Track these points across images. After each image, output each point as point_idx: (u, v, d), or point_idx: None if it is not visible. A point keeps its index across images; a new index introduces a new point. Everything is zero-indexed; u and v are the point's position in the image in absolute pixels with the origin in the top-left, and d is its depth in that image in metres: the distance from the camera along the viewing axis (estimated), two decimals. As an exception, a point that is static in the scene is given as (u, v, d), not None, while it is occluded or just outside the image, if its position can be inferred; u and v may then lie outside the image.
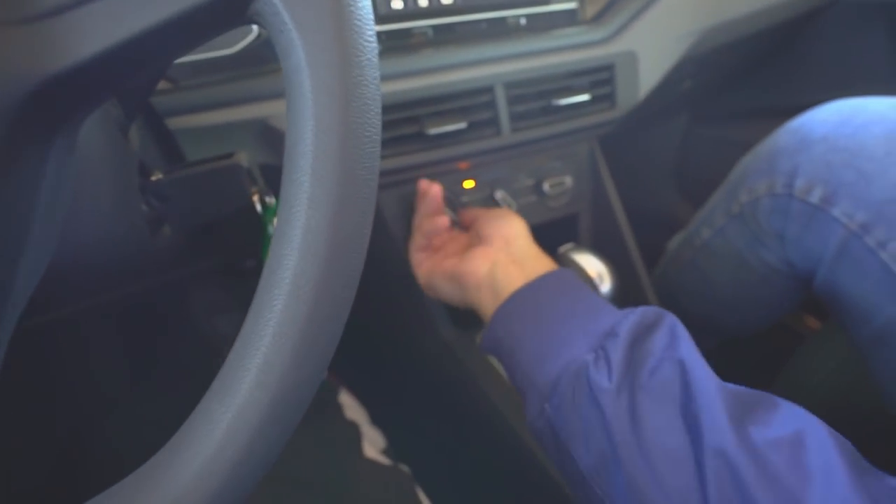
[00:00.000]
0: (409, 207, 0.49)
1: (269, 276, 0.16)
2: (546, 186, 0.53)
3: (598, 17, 0.50)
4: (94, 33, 0.15)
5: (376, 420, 0.47)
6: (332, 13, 0.15)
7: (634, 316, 0.31)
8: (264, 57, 0.39)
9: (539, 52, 0.47)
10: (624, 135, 0.89)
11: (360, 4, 0.15)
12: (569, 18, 0.49)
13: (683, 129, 1.08)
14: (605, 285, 0.42)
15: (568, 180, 0.54)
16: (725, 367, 0.31)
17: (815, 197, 0.39)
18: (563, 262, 0.44)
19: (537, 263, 0.38)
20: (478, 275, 0.38)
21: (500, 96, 0.45)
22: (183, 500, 0.16)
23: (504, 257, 0.39)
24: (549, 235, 0.55)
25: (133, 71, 0.16)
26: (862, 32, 0.79)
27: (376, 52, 0.16)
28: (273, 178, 0.40)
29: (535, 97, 0.47)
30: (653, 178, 1.14)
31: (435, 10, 0.44)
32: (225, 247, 0.41)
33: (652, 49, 0.51)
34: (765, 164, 0.42)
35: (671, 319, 0.31)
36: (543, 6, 0.48)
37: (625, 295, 0.53)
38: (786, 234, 0.42)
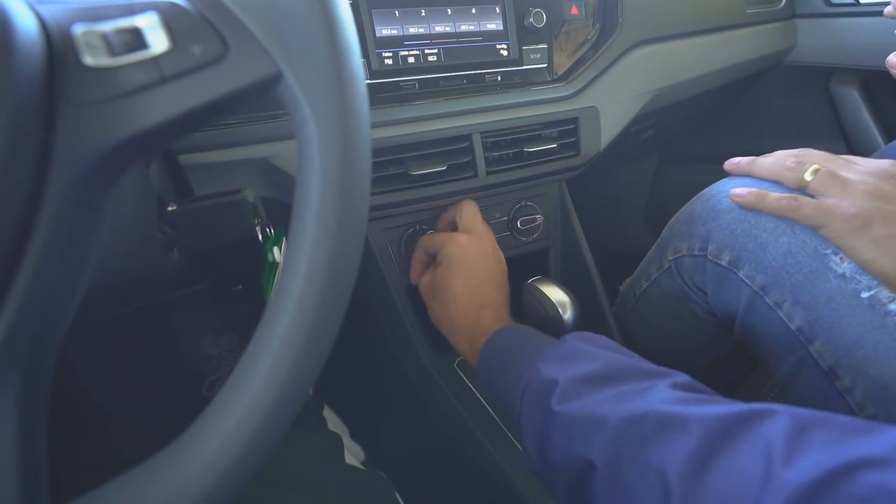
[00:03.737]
0: (394, 238, 0.54)
1: (279, 297, 0.21)
2: (519, 223, 0.58)
3: (565, 76, 0.56)
4: (156, 109, 0.19)
5: (356, 436, 0.50)
6: (338, 99, 0.20)
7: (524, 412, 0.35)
8: (268, 104, 0.44)
9: (512, 105, 0.53)
10: (598, 175, 0.96)
11: (358, 93, 0.21)
12: (539, 76, 0.55)
13: (653, 171, 1.17)
14: (567, 314, 0.47)
15: (539, 218, 0.60)
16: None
17: (725, 260, 0.45)
18: (531, 291, 0.49)
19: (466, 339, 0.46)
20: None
21: (477, 143, 0.51)
22: (200, 477, 0.20)
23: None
24: (522, 267, 0.61)
25: (180, 134, 0.21)
26: (802, 90, 0.88)
27: (369, 126, 0.21)
28: (273, 210, 0.44)
29: (508, 144, 0.53)
30: (625, 215, 1.21)
31: (421, 67, 0.50)
32: (225, 270, 0.45)
33: (612, 105, 0.57)
34: (685, 227, 0.49)
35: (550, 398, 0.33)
36: (517, 66, 0.54)
37: (589, 324, 0.58)
38: (707, 289, 0.48)
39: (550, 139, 0.55)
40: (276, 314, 0.21)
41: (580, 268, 0.60)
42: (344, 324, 0.22)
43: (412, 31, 0.50)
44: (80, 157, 0.18)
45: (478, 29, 0.52)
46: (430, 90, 0.51)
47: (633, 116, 0.60)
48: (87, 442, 0.55)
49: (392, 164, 0.48)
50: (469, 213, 0.52)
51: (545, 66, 0.56)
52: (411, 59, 0.50)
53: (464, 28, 0.52)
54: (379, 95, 0.49)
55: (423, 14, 0.50)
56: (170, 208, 0.36)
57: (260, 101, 0.21)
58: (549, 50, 0.55)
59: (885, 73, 0.53)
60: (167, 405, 0.63)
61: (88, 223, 0.20)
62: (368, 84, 0.48)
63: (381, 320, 0.60)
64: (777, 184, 0.43)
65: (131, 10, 0.19)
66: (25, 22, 0.18)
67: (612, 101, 0.58)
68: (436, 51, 0.51)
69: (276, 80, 0.20)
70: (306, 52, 0.20)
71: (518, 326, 0.44)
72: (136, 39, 0.19)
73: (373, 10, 0.48)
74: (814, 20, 0.84)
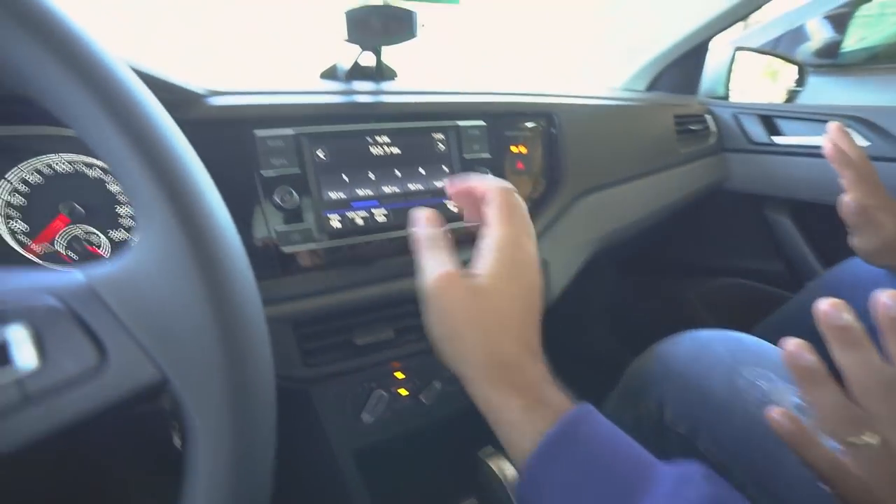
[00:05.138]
0: (336, 400, 0.51)
1: None
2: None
3: (514, 229, 0.57)
4: (14, 434, 0.17)
5: None
6: (230, 413, 0.18)
7: None
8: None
9: (463, 261, 0.53)
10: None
11: (256, 406, 0.19)
12: (489, 229, 0.56)
13: (613, 278, 1.20)
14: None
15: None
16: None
17: (682, 429, 0.44)
18: (480, 465, 0.46)
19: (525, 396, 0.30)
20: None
21: (426, 305, 0.49)
22: None
23: (484, 371, 0.31)
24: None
25: (59, 445, 0.19)
26: (740, 214, 0.94)
27: (271, 441, 0.19)
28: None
29: (458, 301, 0.53)
30: (589, 319, 1.22)
31: (370, 228, 0.50)
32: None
33: (560, 256, 0.59)
34: (640, 384, 0.48)
35: None
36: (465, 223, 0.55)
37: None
38: (669, 456, 0.46)
39: (501, 293, 0.54)
40: None
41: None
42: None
43: (360, 192, 0.50)
44: None
45: (426, 188, 0.54)
46: (380, 250, 0.50)
47: (580, 265, 0.61)
48: None
49: (336, 331, 0.46)
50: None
51: (494, 219, 0.57)
52: (360, 221, 0.50)
53: (412, 187, 0.53)
54: (326, 259, 0.48)
55: (372, 177, 0.51)
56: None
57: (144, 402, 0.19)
58: (498, 204, 0.57)
59: (813, 205, 0.55)
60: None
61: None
62: (316, 248, 0.47)
63: (322, 484, 0.54)
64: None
65: (2, 318, 0.17)
66: None
67: (561, 253, 0.59)
68: (385, 211, 0.51)
69: (161, 386, 0.18)
70: (195, 359, 0.18)
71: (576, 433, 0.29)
72: (1, 357, 0.17)
73: (320, 176, 0.48)
74: (740, 155, 0.92)
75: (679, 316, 1.05)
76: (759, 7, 0.79)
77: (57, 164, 0.41)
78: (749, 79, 1.10)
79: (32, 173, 0.41)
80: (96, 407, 0.17)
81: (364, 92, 0.53)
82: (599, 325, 1.21)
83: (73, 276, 0.18)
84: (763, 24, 1.50)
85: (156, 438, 0.34)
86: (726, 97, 0.97)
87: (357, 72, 0.55)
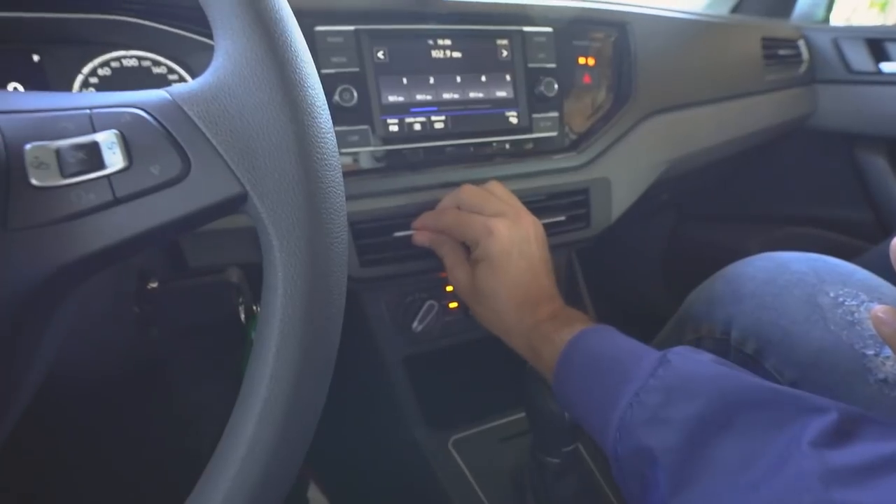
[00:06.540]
0: (388, 307, 0.52)
1: (243, 403, 0.18)
2: (523, 293, 0.56)
3: (576, 145, 0.55)
4: (104, 232, 0.18)
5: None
6: (306, 227, 0.18)
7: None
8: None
9: (521, 175, 0.51)
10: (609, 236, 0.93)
11: (331, 221, 0.19)
12: (549, 145, 0.54)
13: (670, 227, 1.13)
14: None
15: (545, 288, 0.57)
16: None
17: (749, 349, 0.41)
18: (528, 379, 0.46)
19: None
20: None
21: (481, 214, 0.48)
22: None
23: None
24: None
25: (135, 253, 0.19)
26: (825, 155, 0.86)
27: (343, 256, 0.19)
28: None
29: (514, 215, 0.51)
30: (641, 274, 1.17)
31: (428, 135, 0.49)
32: (207, 345, 0.43)
33: (624, 176, 0.55)
34: (705, 307, 0.45)
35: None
36: (527, 133, 0.53)
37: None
38: None
39: (559, 210, 0.52)
40: (238, 422, 0.18)
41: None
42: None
43: (419, 98, 0.49)
44: (11, 286, 0.16)
45: (487, 96, 0.51)
46: (436, 158, 0.49)
47: (645, 188, 0.57)
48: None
49: (392, 232, 0.46)
50: (496, 193, 0.45)
51: (555, 134, 0.54)
52: (417, 126, 0.49)
53: (472, 95, 0.51)
54: (383, 163, 0.47)
55: (432, 82, 0.49)
56: (150, 285, 0.34)
57: (224, 216, 0.19)
58: (560, 118, 0.54)
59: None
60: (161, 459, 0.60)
61: (28, 344, 0.18)
62: (373, 151, 0.47)
63: (372, 390, 0.57)
64: None
65: (92, 126, 0.18)
66: None
67: (625, 173, 0.56)
68: (443, 118, 0.50)
69: (240, 200, 0.18)
70: (274, 173, 0.18)
71: (595, 330, 0.38)
72: (92, 158, 0.17)
73: (379, 77, 0.47)
74: (835, 86, 0.82)
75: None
76: None
77: (125, 59, 0.42)
78: (850, 10, 0.97)
79: (104, 67, 0.41)
80: (179, 215, 0.18)
81: (427, -9, 0.50)
82: (653, 280, 1.16)
83: (159, 94, 0.19)
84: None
85: (223, 312, 0.36)
86: (826, 21, 0.86)
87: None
